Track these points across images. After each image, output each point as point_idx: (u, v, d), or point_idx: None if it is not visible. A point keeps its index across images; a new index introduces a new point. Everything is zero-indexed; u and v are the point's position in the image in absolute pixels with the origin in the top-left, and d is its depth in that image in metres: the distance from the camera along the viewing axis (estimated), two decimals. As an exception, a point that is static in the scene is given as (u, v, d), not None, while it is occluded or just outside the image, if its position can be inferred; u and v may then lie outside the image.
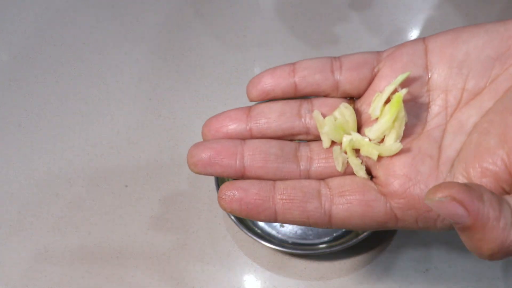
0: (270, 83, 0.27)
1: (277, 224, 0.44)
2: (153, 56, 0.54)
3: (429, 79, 0.27)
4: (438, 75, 0.27)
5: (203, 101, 0.51)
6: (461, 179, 0.24)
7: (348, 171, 0.27)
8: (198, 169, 0.27)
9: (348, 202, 0.25)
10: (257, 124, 0.27)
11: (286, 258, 0.43)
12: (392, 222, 0.25)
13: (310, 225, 0.26)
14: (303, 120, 0.28)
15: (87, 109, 0.51)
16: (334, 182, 0.26)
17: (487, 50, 0.26)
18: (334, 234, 0.43)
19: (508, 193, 0.23)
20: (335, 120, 0.27)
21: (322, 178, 0.27)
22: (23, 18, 0.56)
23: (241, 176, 0.27)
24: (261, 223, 0.44)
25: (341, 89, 0.28)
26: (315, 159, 0.27)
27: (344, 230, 0.43)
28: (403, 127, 0.26)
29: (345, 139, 0.26)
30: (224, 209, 0.26)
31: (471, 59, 0.26)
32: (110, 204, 0.46)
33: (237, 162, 0.26)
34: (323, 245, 0.42)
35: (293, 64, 0.28)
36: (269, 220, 0.26)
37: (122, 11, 0.57)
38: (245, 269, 0.43)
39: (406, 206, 0.25)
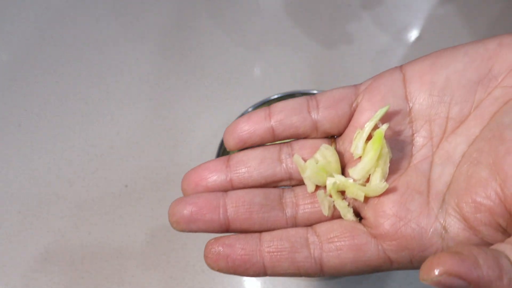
0: (247, 130, 0.26)
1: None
2: (153, 56, 0.54)
3: (410, 109, 0.26)
4: (419, 105, 0.25)
5: (203, 101, 0.51)
6: (453, 216, 0.23)
7: (336, 214, 0.26)
8: (181, 227, 0.25)
9: (338, 249, 0.24)
10: (237, 174, 0.26)
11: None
12: (386, 265, 0.24)
13: (302, 276, 0.25)
14: (284, 165, 0.26)
15: (87, 109, 0.51)
16: (322, 228, 0.25)
17: (468, 73, 0.25)
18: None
19: (504, 228, 0.22)
20: (316, 163, 0.26)
21: (309, 223, 0.26)
22: (23, 18, 0.56)
23: (226, 230, 0.25)
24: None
25: (320, 129, 0.26)
26: (300, 205, 0.26)
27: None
28: (387, 164, 0.25)
29: (329, 182, 0.25)
30: (212, 268, 0.25)
31: (452, 85, 0.25)
32: (110, 204, 0.46)
33: (221, 216, 0.25)
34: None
35: (269, 107, 0.26)
36: (259, 275, 0.25)
37: (122, 11, 0.57)
38: (245, 269, 0.43)
39: (399, 248, 0.24)
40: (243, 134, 0.26)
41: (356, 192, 0.25)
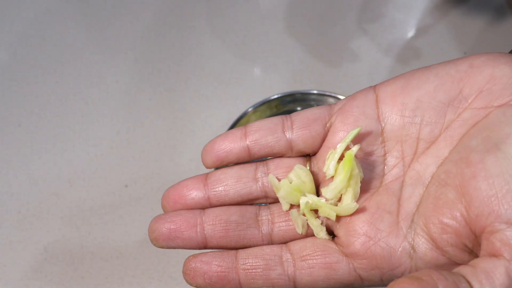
0: (223, 149, 0.27)
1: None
2: (153, 56, 0.54)
3: (382, 130, 0.26)
4: (391, 126, 0.26)
5: (203, 101, 0.51)
6: (422, 236, 0.24)
7: (310, 232, 0.27)
8: (160, 244, 0.26)
9: (310, 267, 0.25)
10: (214, 192, 0.27)
11: None
12: (358, 282, 0.25)
13: None
14: (259, 184, 0.27)
15: (87, 109, 0.51)
16: (296, 246, 0.26)
17: (439, 95, 0.25)
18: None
19: (471, 249, 0.23)
20: (290, 183, 0.26)
21: (284, 240, 0.27)
22: (23, 18, 0.56)
23: (204, 247, 0.26)
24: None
25: (295, 148, 0.27)
26: (276, 222, 0.27)
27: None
28: (359, 184, 0.25)
29: (302, 201, 0.26)
30: (190, 284, 0.26)
31: (423, 106, 0.25)
32: (110, 204, 0.46)
33: (198, 234, 0.26)
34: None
35: (245, 127, 0.27)
36: None
37: (122, 11, 0.57)
38: (245, 269, 0.43)
39: (369, 266, 0.24)
40: (220, 153, 0.27)
41: (328, 211, 0.25)
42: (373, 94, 0.27)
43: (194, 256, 0.26)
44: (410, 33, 0.54)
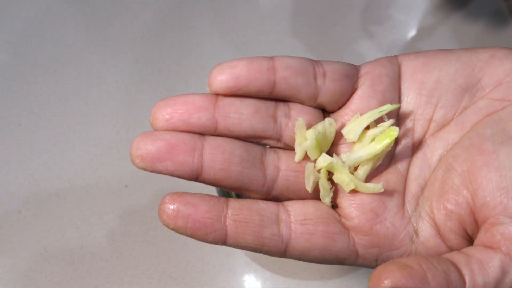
0: (246, 76, 0.23)
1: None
2: (153, 56, 0.54)
3: (400, 103, 0.25)
4: (407, 103, 0.25)
5: (203, 101, 0.51)
6: (426, 221, 0.23)
7: (314, 192, 0.24)
8: (144, 164, 0.22)
9: (310, 233, 0.23)
10: (225, 118, 0.23)
11: (286, 258, 0.43)
12: (352, 258, 0.24)
13: (261, 253, 0.23)
14: (278, 124, 0.24)
15: (87, 109, 0.51)
16: (295, 206, 0.24)
17: (458, 79, 0.24)
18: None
19: (470, 236, 0.23)
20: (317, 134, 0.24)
21: (286, 193, 0.24)
22: (23, 18, 0.56)
23: (196, 178, 0.23)
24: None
25: (320, 99, 0.24)
26: (282, 170, 0.24)
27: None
28: (380, 161, 0.24)
29: (324, 160, 0.24)
30: (166, 225, 0.22)
31: (442, 88, 0.24)
32: (110, 204, 0.46)
33: (195, 160, 0.22)
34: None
35: (272, 59, 0.23)
36: (217, 243, 0.23)
37: (122, 10, 0.57)
38: (245, 269, 0.43)
39: (370, 244, 0.23)
40: (241, 79, 0.22)
41: (348, 182, 0.23)
42: (397, 66, 0.25)
43: (178, 194, 0.22)
44: (411, 34, 0.54)
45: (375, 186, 0.23)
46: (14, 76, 0.53)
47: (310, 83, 0.24)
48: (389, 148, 0.24)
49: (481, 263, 0.20)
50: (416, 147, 0.25)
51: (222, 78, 0.23)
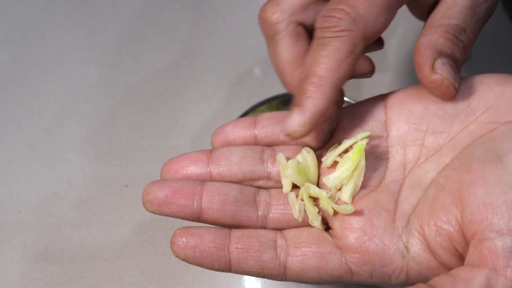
0: (232, 132, 0.28)
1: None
2: (153, 56, 0.54)
3: (387, 134, 0.27)
4: (396, 131, 0.26)
5: (203, 101, 0.51)
6: (416, 237, 0.24)
7: (306, 221, 0.27)
8: (153, 208, 0.26)
9: (303, 254, 0.25)
10: (218, 167, 0.27)
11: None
12: (347, 276, 0.25)
13: (264, 277, 0.25)
14: (265, 165, 0.27)
15: (87, 109, 0.51)
16: (291, 233, 0.26)
17: (447, 106, 0.26)
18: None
19: (460, 254, 0.23)
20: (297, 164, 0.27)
21: (280, 225, 0.27)
22: (23, 18, 0.56)
23: (197, 218, 0.26)
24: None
25: (301, 141, 0.27)
26: (273, 205, 0.27)
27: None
28: (361, 178, 0.26)
29: (304, 188, 0.26)
30: (177, 256, 0.25)
31: (430, 115, 0.26)
32: (110, 204, 0.46)
33: (195, 203, 0.26)
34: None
35: (255, 117, 0.28)
36: (223, 270, 0.25)
37: (122, 11, 0.57)
38: (245, 269, 0.43)
39: (361, 261, 0.25)
40: (229, 136, 0.28)
41: (327, 206, 0.26)
42: (383, 101, 0.27)
43: (186, 228, 0.25)
44: (411, 34, 0.54)
45: (346, 207, 0.25)
46: (14, 76, 0.53)
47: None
48: (363, 162, 0.25)
49: (467, 282, 0.21)
50: (408, 171, 0.26)
51: (215, 138, 0.28)
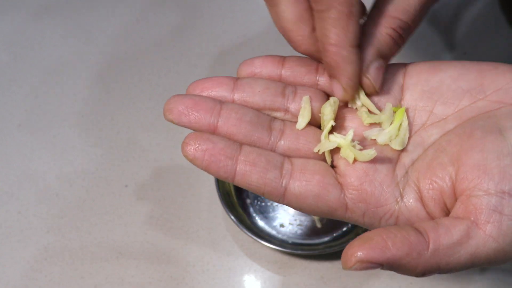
0: (260, 66, 0.29)
1: (277, 224, 0.44)
2: (153, 56, 0.54)
3: (402, 98, 0.29)
4: (411, 96, 0.29)
5: (203, 101, 0.51)
6: (412, 187, 0.26)
7: (311, 157, 0.28)
8: (172, 116, 0.27)
9: (306, 180, 0.26)
10: (241, 93, 0.28)
11: (286, 258, 0.43)
12: (341, 210, 0.27)
13: (263, 194, 0.27)
14: (286, 99, 0.29)
15: (87, 109, 0.51)
16: (298, 161, 0.27)
17: (461, 81, 0.28)
18: (334, 234, 0.43)
19: (448, 209, 0.25)
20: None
21: (288, 152, 0.28)
22: (23, 18, 0.56)
23: (213, 132, 0.27)
24: (260, 223, 0.44)
25: (319, 87, 0.29)
26: (286, 134, 0.28)
27: (343, 230, 0.44)
28: (407, 135, 0.28)
29: (340, 139, 0.28)
30: (186, 156, 0.27)
31: (444, 87, 0.28)
32: (110, 204, 0.46)
33: (212, 117, 0.27)
34: (323, 245, 0.42)
35: (284, 58, 0.30)
36: (226, 179, 0.26)
37: (122, 11, 0.57)
38: (245, 269, 0.43)
39: (358, 199, 0.26)
40: (255, 69, 0.29)
41: (348, 153, 0.27)
42: (404, 68, 0.29)
43: (200, 132, 0.27)
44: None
45: (369, 152, 0.27)
46: (14, 76, 0.53)
47: (311, 72, 0.29)
48: (406, 122, 0.28)
49: (448, 228, 0.23)
50: (414, 131, 0.28)
51: (243, 68, 0.29)
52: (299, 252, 0.42)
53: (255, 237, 0.41)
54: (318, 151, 0.28)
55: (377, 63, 0.28)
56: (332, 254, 0.42)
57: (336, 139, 0.28)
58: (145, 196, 0.46)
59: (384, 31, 0.28)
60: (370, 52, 0.28)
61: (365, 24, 0.28)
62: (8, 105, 0.51)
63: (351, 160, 0.27)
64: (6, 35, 0.55)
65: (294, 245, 0.42)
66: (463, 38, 0.53)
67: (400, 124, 0.28)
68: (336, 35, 0.26)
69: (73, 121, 0.50)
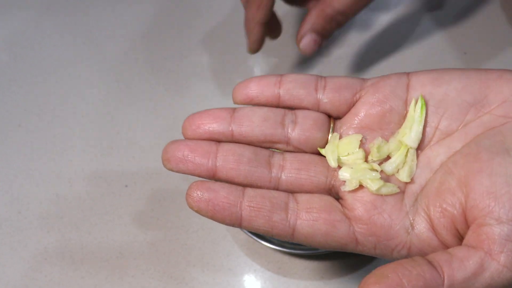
0: (256, 90, 0.28)
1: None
2: (153, 56, 0.54)
3: (406, 113, 0.28)
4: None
5: (203, 102, 0.51)
6: (422, 216, 0.26)
7: (318, 187, 0.28)
8: (170, 165, 0.27)
9: (313, 219, 0.26)
10: (239, 127, 0.28)
11: (286, 258, 0.43)
12: (352, 245, 0.26)
13: (272, 235, 0.26)
14: (285, 129, 0.28)
15: (87, 109, 0.51)
16: (303, 197, 0.27)
17: (465, 94, 0.27)
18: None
19: (461, 235, 0.25)
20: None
21: (291, 187, 0.28)
22: (23, 18, 0.56)
23: (212, 176, 0.27)
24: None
25: (322, 107, 0.28)
26: (287, 168, 0.28)
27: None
28: (415, 161, 0.27)
29: (370, 178, 0.27)
30: (191, 207, 0.26)
31: (448, 101, 0.27)
32: (110, 204, 0.46)
33: (209, 162, 0.27)
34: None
35: (281, 75, 0.28)
36: (233, 225, 0.26)
37: (122, 11, 0.57)
38: (245, 269, 0.43)
39: (368, 232, 0.26)
40: (252, 93, 0.28)
41: (368, 182, 0.26)
42: (406, 79, 0.28)
43: (202, 182, 0.26)
44: (406, 45, 0.54)
45: (393, 187, 0.26)
46: (14, 76, 0.53)
47: (310, 93, 0.28)
48: (412, 149, 0.27)
49: (462, 260, 0.23)
50: (420, 151, 0.28)
51: (238, 93, 0.29)
52: (299, 252, 0.42)
53: (255, 237, 0.41)
54: (328, 181, 0.27)
55: (309, 36, 0.39)
56: (332, 254, 0.42)
57: (357, 165, 0.27)
58: (145, 196, 0.46)
59: (319, 13, 0.38)
60: (304, 28, 0.40)
61: (309, 7, 0.40)
62: (8, 105, 0.51)
63: (373, 189, 0.26)
64: (6, 35, 0.55)
65: (294, 245, 0.42)
66: (463, 38, 0.53)
67: (407, 151, 0.27)
68: (249, 14, 0.42)
69: (73, 121, 0.50)
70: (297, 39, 0.42)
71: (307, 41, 0.40)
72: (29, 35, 0.55)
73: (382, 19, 0.55)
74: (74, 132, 0.49)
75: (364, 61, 0.52)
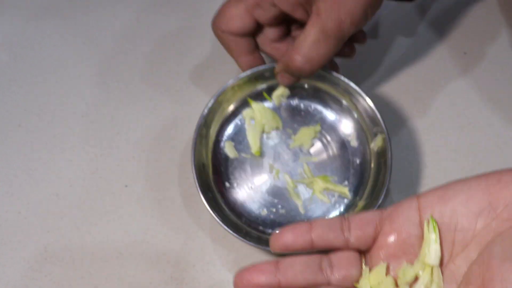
0: (290, 238, 0.32)
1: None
2: (153, 56, 0.54)
3: (423, 233, 0.31)
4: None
5: (203, 102, 0.51)
6: None
7: None
8: None
9: None
10: (285, 276, 0.31)
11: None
12: None
13: None
14: (324, 273, 0.31)
15: (87, 109, 0.51)
16: None
17: (471, 205, 0.30)
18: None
19: None
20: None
21: None
22: (23, 18, 0.56)
23: None
24: (261, 227, 0.43)
25: (351, 245, 0.32)
26: None
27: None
28: (441, 277, 0.30)
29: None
30: None
31: (458, 215, 0.30)
32: (110, 204, 0.46)
33: None
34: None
35: (310, 223, 0.32)
36: None
37: (122, 11, 0.57)
38: (245, 269, 0.43)
39: None
40: (287, 242, 0.32)
41: None
42: (416, 203, 0.31)
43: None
44: (411, 34, 0.54)
45: None
46: (14, 76, 0.53)
47: (339, 235, 0.32)
48: (437, 270, 0.31)
49: None
50: (444, 266, 0.30)
51: (275, 243, 0.32)
52: (299, 252, 0.41)
53: (252, 243, 0.41)
54: None
55: (284, 75, 0.43)
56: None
57: None
58: (145, 196, 0.46)
59: (289, 59, 0.40)
60: (277, 68, 0.43)
61: (288, 51, 0.41)
62: (8, 105, 0.51)
63: None
64: (6, 35, 0.55)
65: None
66: (463, 38, 0.53)
67: (432, 270, 0.30)
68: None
69: (73, 121, 0.50)
70: (274, 71, 0.44)
71: (282, 78, 0.42)
72: (29, 35, 0.55)
73: (381, 21, 0.55)
74: (74, 132, 0.49)
75: (365, 63, 0.52)
